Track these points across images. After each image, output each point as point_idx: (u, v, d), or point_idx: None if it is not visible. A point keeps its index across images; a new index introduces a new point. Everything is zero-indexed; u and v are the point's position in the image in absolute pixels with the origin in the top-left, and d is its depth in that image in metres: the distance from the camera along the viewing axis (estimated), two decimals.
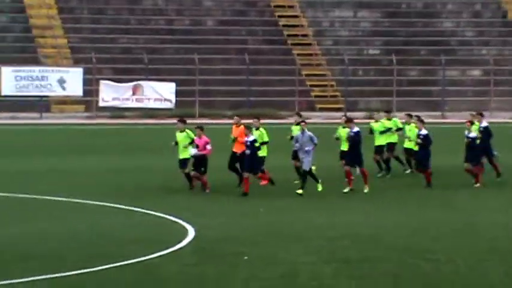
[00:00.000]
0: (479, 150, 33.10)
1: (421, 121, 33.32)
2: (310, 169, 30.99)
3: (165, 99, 63.82)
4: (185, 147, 30.90)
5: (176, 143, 31.20)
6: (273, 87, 66.71)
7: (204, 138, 31.16)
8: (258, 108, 60.72)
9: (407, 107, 64.42)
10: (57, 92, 63.40)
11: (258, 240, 24.63)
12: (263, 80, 67.15)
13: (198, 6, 73.31)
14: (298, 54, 69.79)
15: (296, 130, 32.73)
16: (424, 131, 32.71)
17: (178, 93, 63.74)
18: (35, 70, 63.47)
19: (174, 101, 63.80)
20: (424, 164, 32.57)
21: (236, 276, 20.67)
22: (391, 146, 35.18)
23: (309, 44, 70.85)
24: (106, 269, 21.00)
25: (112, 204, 29.08)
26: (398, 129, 35.35)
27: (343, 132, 33.12)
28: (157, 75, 65.19)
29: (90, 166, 37.08)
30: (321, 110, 64.55)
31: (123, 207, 28.84)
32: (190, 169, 31.03)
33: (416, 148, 33.28)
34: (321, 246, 23.81)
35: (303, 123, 31.81)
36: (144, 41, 68.96)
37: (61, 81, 63.19)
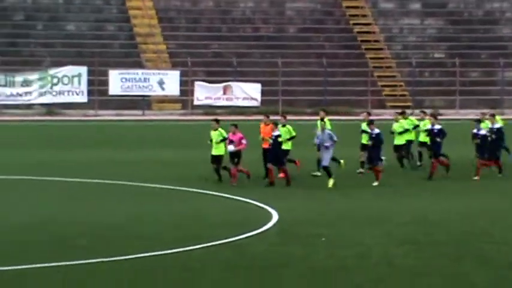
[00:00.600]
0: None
1: (435, 117, 32.82)
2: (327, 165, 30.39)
3: (252, 98, 64.00)
4: (218, 143, 30.48)
5: (211, 141, 30.74)
6: (347, 87, 66.53)
7: (239, 134, 30.57)
8: (334, 106, 60.60)
9: (469, 105, 64.26)
10: (157, 92, 63.90)
11: (334, 223, 24.73)
12: (339, 81, 67.02)
13: (282, 15, 73.35)
14: (370, 58, 69.54)
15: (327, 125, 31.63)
16: (437, 126, 32.33)
17: (263, 93, 63.92)
18: (138, 73, 64.02)
19: (259, 99, 63.97)
20: (437, 155, 32.17)
21: (315, 255, 20.80)
22: (408, 144, 34.51)
23: (381, 49, 70.54)
24: (200, 248, 21.20)
25: (204, 191, 29.32)
26: (416, 127, 34.64)
27: (366, 127, 32.92)
28: (245, 76, 65.33)
29: (186, 157, 37.34)
30: (391, 107, 64.11)
31: (214, 193, 29.06)
32: (229, 164, 30.57)
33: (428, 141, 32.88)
34: (391, 229, 23.81)
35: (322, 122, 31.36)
36: (234, 47, 69.11)
37: (161, 83, 63.68)
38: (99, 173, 32.63)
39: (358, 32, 71.74)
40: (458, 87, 67.22)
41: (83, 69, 62.56)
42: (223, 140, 30.38)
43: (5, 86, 61.53)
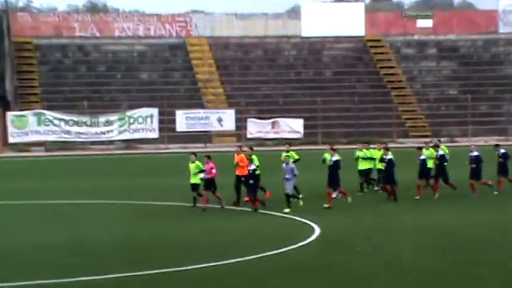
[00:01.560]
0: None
1: (386, 149, 31.76)
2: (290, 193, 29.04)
3: (296, 131, 64.19)
4: (195, 174, 29.64)
5: (189, 172, 29.88)
6: (376, 121, 66.41)
7: (211, 164, 29.56)
8: (366, 136, 60.38)
9: (479, 133, 63.84)
10: (217, 128, 64.22)
11: (368, 234, 24.56)
12: (368, 115, 66.90)
13: (319, 61, 73.55)
14: (395, 95, 69.46)
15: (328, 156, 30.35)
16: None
17: (305, 127, 64.15)
18: (200, 112, 64.43)
19: (302, 132, 64.13)
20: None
21: (352, 262, 20.67)
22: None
23: (403, 88, 70.45)
24: (255, 258, 21.16)
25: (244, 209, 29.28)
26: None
27: (361, 153, 33.03)
28: (290, 113, 65.48)
29: None
30: (413, 136, 63.92)
31: (264, 212, 29.00)
32: (201, 189, 29.63)
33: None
34: (419, 239, 23.63)
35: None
36: (280, 89, 69.38)
37: (219, 120, 64.01)
38: (171, 197, 32.67)
39: (384, 74, 71.75)
40: (469, 119, 66.83)
41: (155, 111, 63.06)
42: (201, 171, 29.54)
43: (90, 126, 62.17)
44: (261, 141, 62.33)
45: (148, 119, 62.97)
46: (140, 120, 62.95)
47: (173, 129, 63.10)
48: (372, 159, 33.33)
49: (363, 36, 74.81)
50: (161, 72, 70.12)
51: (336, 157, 29.98)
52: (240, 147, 32.22)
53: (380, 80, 71.50)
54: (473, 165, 32.05)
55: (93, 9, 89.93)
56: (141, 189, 35.87)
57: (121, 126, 62.68)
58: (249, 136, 63.43)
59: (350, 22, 74.11)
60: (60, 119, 61.81)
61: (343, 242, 23.40)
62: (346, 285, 18.31)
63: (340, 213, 28.79)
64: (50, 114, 61.81)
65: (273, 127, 64.26)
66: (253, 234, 24.97)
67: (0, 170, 48.66)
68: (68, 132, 61.90)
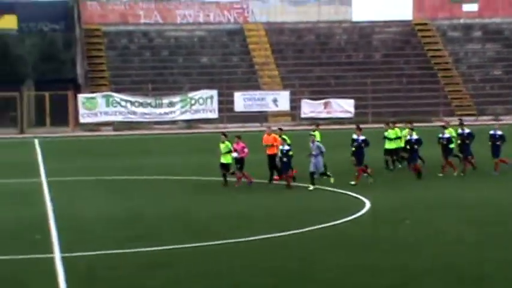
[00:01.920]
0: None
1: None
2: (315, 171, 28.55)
3: (347, 111, 63.86)
4: (225, 154, 29.22)
5: (220, 152, 29.51)
6: (423, 101, 65.74)
7: (241, 144, 29.23)
8: (413, 116, 60.04)
9: None
10: (272, 108, 64.15)
11: (416, 208, 24.47)
12: (416, 96, 66.26)
13: (369, 44, 72.94)
14: (441, 77, 68.68)
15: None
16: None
17: (355, 107, 63.74)
18: (257, 94, 64.41)
19: (353, 112, 63.77)
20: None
21: (401, 234, 20.63)
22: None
23: (449, 69, 69.59)
24: (308, 230, 21.20)
25: (307, 185, 29.23)
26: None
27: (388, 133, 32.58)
28: (341, 94, 65.13)
29: (296, 158, 37.18)
30: (458, 115, 63.10)
31: (317, 187, 28.94)
32: (235, 169, 29.28)
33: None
34: (461, 212, 23.48)
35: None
36: (332, 71, 69.04)
37: (275, 101, 63.95)
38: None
39: (431, 56, 70.95)
40: None
41: (214, 92, 63.22)
42: (230, 151, 29.19)
43: (155, 107, 62.59)
44: (314, 120, 62.06)
45: (208, 100, 63.17)
46: (201, 101, 63.19)
47: (231, 110, 63.21)
48: (398, 138, 32.69)
49: (411, 21, 74.07)
50: (220, 56, 70.20)
51: (362, 137, 29.58)
52: (269, 127, 31.60)
53: (427, 62, 70.74)
54: (497, 143, 31.57)
55: None
56: (199, 166, 36.04)
57: (183, 107, 62.99)
58: (302, 116, 63.31)
59: (398, 7, 73.52)
60: (126, 101, 62.32)
61: (392, 215, 23.35)
62: (395, 256, 18.30)
63: (389, 188, 28.71)
64: (117, 96, 62.35)
65: (325, 107, 64.05)
66: (306, 208, 25.02)
67: (72, 148, 49.35)
68: (134, 113, 62.38)
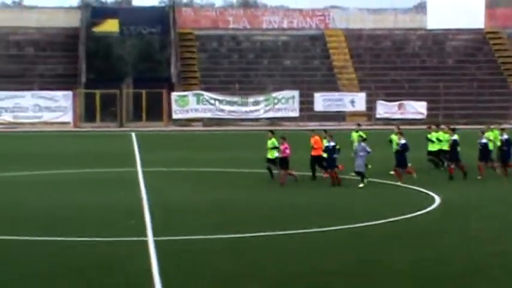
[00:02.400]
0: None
1: (452, 130, 29.86)
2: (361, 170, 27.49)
3: (419, 113, 63.12)
4: (271, 149, 28.65)
5: (267, 148, 29.01)
6: (492, 104, 64.46)
7: (285, 145, 28.35)
8: (483, 118, 58.99)
9: None
10: (349, 108, 63.78)
11: (484, 204, 23.99)
12: (486, 99, 64.96)
13: (442, 51, 71.83)
14: (511, 82, 67.18)
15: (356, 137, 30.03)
16: (454, 137, 29.40)
17: (428, 109, 62.96)
18: (335, 95, 64.14)
19: (425, 113, 62.94)
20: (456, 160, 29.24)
21: (470, 227, 20.23)
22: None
23: None
24: (380, 223, 20.95)
25: (382, 181, 28.88)
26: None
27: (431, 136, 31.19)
28: (414, 96, 64.36)
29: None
30: None
31: (390, 182, 28.58)
32: (278, 167, 28.34)
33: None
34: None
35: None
36: (406, 75, 68.19)
37: (352, 102, 63.59)
38: (304, 168, 32.49)
39: (502, 63, 69.50)
40: None
41: (296, 93, 63.17)
42: (275, 147, 28.57)
43: (241, 105, 62.92)
44: (388, 120, 61.53)
45: (290, 100, 63.14)
46: (283, 101, 63.22)
47: (311, 109, 63.03)
48: (440, 141, 31.41)
49: (483, 29, 72.64)
50: (302, 59, 70.03)
51: (403, 140, 28.53)
52: (313, 130, 30.74)
53: (498, 68, 69.27)
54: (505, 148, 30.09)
55: (245, 4, 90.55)
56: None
57: (267, 105, 63.13)
58: (377, 116, 62.79)
59: (471, 16, 72.12)
60: (215, 99, 62.74)
61: (461, 210, 22.91)
62: (464, 248, 17.94)
63: (457, 185, 28.18)
64: (207, 94, 62.81)
65: (399, 108, 63.45)
66: (377, 201, 24.72)
67: (165, 141, 49.90)
68: (222, 111, 62.77)
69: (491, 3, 75.16)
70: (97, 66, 67.33)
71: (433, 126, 33.10)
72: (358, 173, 27.70)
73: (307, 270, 15.83)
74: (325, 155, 28.46)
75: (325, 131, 30.09)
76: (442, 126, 33.34)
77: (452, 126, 31.30)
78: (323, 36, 71.52)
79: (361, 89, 65.42)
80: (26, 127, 59.34)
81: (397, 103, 63.34)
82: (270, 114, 63.01)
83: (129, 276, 15.36)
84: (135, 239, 18.78)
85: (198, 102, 62.42)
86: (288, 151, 28.41)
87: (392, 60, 70.29)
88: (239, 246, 18.07)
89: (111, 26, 69.06)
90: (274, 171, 28.89)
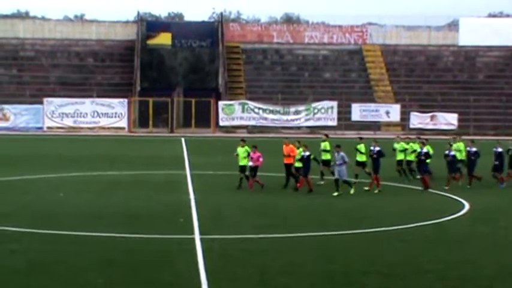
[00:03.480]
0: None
1: (423, 143, 28.52)
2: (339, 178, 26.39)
3: (451, 124, 62.56)
4: (244, 157, 27.67)
5: (237, 154, 28.05)
6: None
7: (258, 153, 27.58)
8: (510, 129, 58.56)
9: None
10: (385, 119, 63.45)
11: (509, 212, 23.60)
12: None
13: (473, 66, 71.14)
14: None
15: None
16: (425, 149, 28.07)
17: (459, 120, 62.35)
18: (372, 106, 63.81)
19: (456, 124, 62.29)
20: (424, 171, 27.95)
21: (496, 233, 19.92)
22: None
23: None
24: (412, 227, 20.75)
25: (413, 187, 28.58)
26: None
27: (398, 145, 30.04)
28: (446, 108, 63.80)
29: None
30: None
31: (419, 188, 28.24)
32: (250, 174, 27.51)
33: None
34: None
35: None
36: (438, 88, 67.66)
37: (387, 112, 63.20)
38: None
39: None
40: None
41: (334, 104, 62.99)
42: (248, 155, 27.61)
43: (283, 114, 62.98)
44: (421, 130, 61.01)
45: (329, 110, 62.97)
46: (322, 110, 63.08)
47: (349, 119, 62.80)
48: (412, 151, 30.12)
49: None
50: (341, 72, 69.84)
51: (378, 147, 27.66)
52: (287, 138, 29.46)
53: None
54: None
55: (288, 20, 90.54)
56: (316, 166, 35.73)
57: (307, 115, 63.07)
58: (411, 126, 62.29)
59: (501, 34, 71.33)
60: (259, 108, 62.81)
61: (489, 216, 22.57)
62: (492, 252, 17.65)
63: (486, 193, 27.79)
64: (251, 104, 62.94)
65: (431, 120, 62.92)
66: (409, 207, 24.47)
67: (212, 146, 50.01)
68: (265, 119, 62.83)
69: None
70: (151, 76, 67.90)
71: (402, 136, 31.83)
72: (345, 182, 26.52)
73: (343, 270, 15.73)
74: (298, 164, 27.41)
75: (298, 141, 28.57)
76: (414, 137, 31.95)
77: (424, 138, 29.99)
78: (361, 51, 71.23)
79: (396, 101, 65.00)
80: (85, 131, 60.02)
81: (429, 114, 62.87)
82: (310, 123, 62.96)
83: (178, 271, 15.42)
84: (183, 236, 18.84)
85: (243, 110, 62.57)
86: (261, 159, 27.56)
87: (426, 74, 69.75)
88: (281, 245, 18.03)
89: (164, 39, 69.60)
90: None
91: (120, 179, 30.78)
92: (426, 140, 30.14)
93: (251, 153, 27.76)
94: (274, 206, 24.17)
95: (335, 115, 62.81)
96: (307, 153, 27.44)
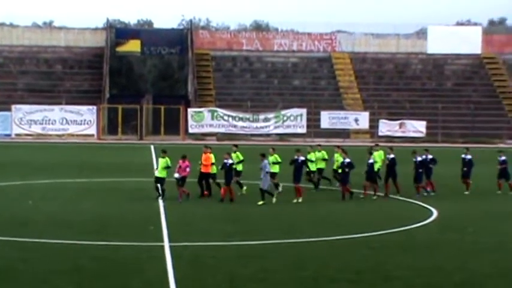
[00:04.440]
0: None
1: (345, 152, 28.03)
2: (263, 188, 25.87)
3: (419, 131, 63.04)
4: (163, 168, 26.67)
5: (157, 166, 27.25)
6: (488, 124, 64.33)
7: (186, 163, 26.81)
8: (481, 137, 59.40)
9: None
10: (354, 126, 63.79)
11: (478, 219, 23.88)
12: (482, 120, 64.85)
13: (441, 74, 71.91)
14: (506, 104, 67.13)
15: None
16: (347, 160, 27.66)
17: (427, 128, 62.87)
18: (341, 113, 64.13)
19: (424, 132, 62.84)
20: (344, 182, 27.56)
21: (464, 240, 20.13)
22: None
23: None
24: (380, 234, 20.92)
25: (382, 194, 28.78)
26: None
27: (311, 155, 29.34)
28: (414, 116, 64.31)
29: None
30: None
31: (391, 196, 28.49)
32: (178, 184, 26.49)
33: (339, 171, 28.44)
34: None
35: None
36: (407, 96, 68.23)
37: (356, 120, 63.54)
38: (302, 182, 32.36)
39: (497, 86, 69.49)
40: None
41: (303, 111, 63.23)
42: (167, 167, 26.68)
43: (252, 121, 63.05)
44: (390, 138, 61.49)
45: (299, 117, 63.18)
46: (292, 118, 63.27)
47: (318, 126, 63.03)
48: (324, 160, 30.09)
49: (480, 54, 72.64)
50: (310, 80, 70.18)
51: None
52: (207, 146, 28.28)
53: (493, 91, 69.18)
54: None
55: (257, 28, 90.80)
56: (290, 173, 35.83)
57: (276, 122, 63.21)
58: (380, 134, 62.70)
59: (469, 42, 72.16)
60: (228, 115, 62.87)
61: (456, 224, 22.81)
62: (459, 259, 17.86)
63: (455, 200, 28.11)
64: (221, 111, 62.97)
65: (400, 127, 63.34)
66: (378, 214, 24.64)
67: (181, 153, 49.72)
68: (235, 126, 62.89)
69: (488, 30, 75.19)
70: (120, 83, 67.65)
71: (314, 146, 31.11)
72: (266, 191, 25.98)
73: (313, 276, 15.84)
74: (214, 170, 27.11)
75: (235, 145, 28.11)
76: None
77: (341, 148, 29.33)
78: (330, 59, 71.68)
79: (365, 108, 65.44)
80: (54, 138, 59.61)
81: (398, 122, 63.31)
82: (279, 130, 63.12)
83: (148, 278, 15.42)
84: (153, 244, 18.83)
85: (212, 118, 62.58)
86: (188, 170, 26.82)
87: (394, 82, 70.35)
88: (250, 253, 18.09)
89: (133, 46, 69.42)
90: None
91: (89, 186, 30.65)
92: (377, 145, 30.31)
93: (180, 163, 26.69)
94: (244, 213, 24.24)
95: (304, 122, 63.07)
96: (230, 161, 26.80)
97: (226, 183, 26.67)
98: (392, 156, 28.94)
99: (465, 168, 30.05)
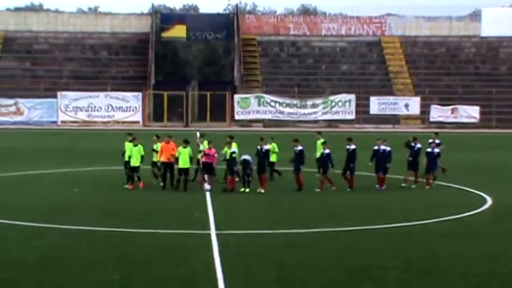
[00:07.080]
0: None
1: (325, 143, 26.89)
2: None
3: (472, 117, 62.17)
4: (137, 158, 26.23)
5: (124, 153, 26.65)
6: None
7: (213, 150, 26.14)
8: None
9: None
10: (404, 112, 63.18)
11: None
12: None
13: (496, 58, 70.65)
14: None
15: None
16: (327, 151, 26.56)
17: (480, 113, 61.92)
18: (390, 99, 63.56)
19: (478, 118, 61.96)
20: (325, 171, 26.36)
21: None
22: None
23: None
24: (432, 222, 20.66)
25: (439, 183, 28.44)
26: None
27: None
28: (467, 101, 63.42)
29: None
30: None
31: (443, 183, 28.19)
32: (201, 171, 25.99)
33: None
34: None
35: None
36: (460, 80, 67.24)
37: (406, 105, 62.93)
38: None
39: None
40: None
41: (352, 97, 62.80)
42: (141, 156, 26.22)
43: (299, 107, 62.86)
44: (442, 124, 60.79)
45: (347, 103, 62.81)
46: (340, 104, 62.91)
47: (367, 112, 62.60)
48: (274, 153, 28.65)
49: None
50: (359, 64, 69.65)
51: (327, 150, 26.49)
52: (170, 136, 27.36)
53: None
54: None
55: (305, 12, 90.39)
56: (341, 161, 35.56)
57: (324, 108, 62.93)
58: (431, 120, 62.01)
59: None
60: (275, 101, 62.78)
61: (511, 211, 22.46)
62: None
63: (510, 188, 27.64)
64: (267, 97, 62.91)
65: (452, 112, 62.54)
66: (431, 202, 24.38)
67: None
68: (281, 112, 62.79)
69: None
70: (165, 69, 68.05)
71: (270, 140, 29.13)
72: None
73: (362, 265, 15.74)
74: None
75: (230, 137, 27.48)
76: None
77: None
78: (379, 43, 71.00)
79: (416, 94, 64.74)
80: (99, 125, 60.31)
81: (450, 107, 62.51)
82: (327, 117, 62.85)
83: (194, 267, 15.49)
84: (199, 232, 18.91)
85: (259, 104, 62.57)
86: (216, 155, 26.37)
87: (446, 66, 69.39)
88: (294, 241, 18.06)
89: (179, 31, 69.70)
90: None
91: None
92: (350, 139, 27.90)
93: (206, 150, 26.25)
94: (288, 202, 24.20)
95: (353, 108, 62.68)
96: (265, 147, 26.36)
97: (260, 171, 25.92)
98: (327, 151, 26.83)
99: None
